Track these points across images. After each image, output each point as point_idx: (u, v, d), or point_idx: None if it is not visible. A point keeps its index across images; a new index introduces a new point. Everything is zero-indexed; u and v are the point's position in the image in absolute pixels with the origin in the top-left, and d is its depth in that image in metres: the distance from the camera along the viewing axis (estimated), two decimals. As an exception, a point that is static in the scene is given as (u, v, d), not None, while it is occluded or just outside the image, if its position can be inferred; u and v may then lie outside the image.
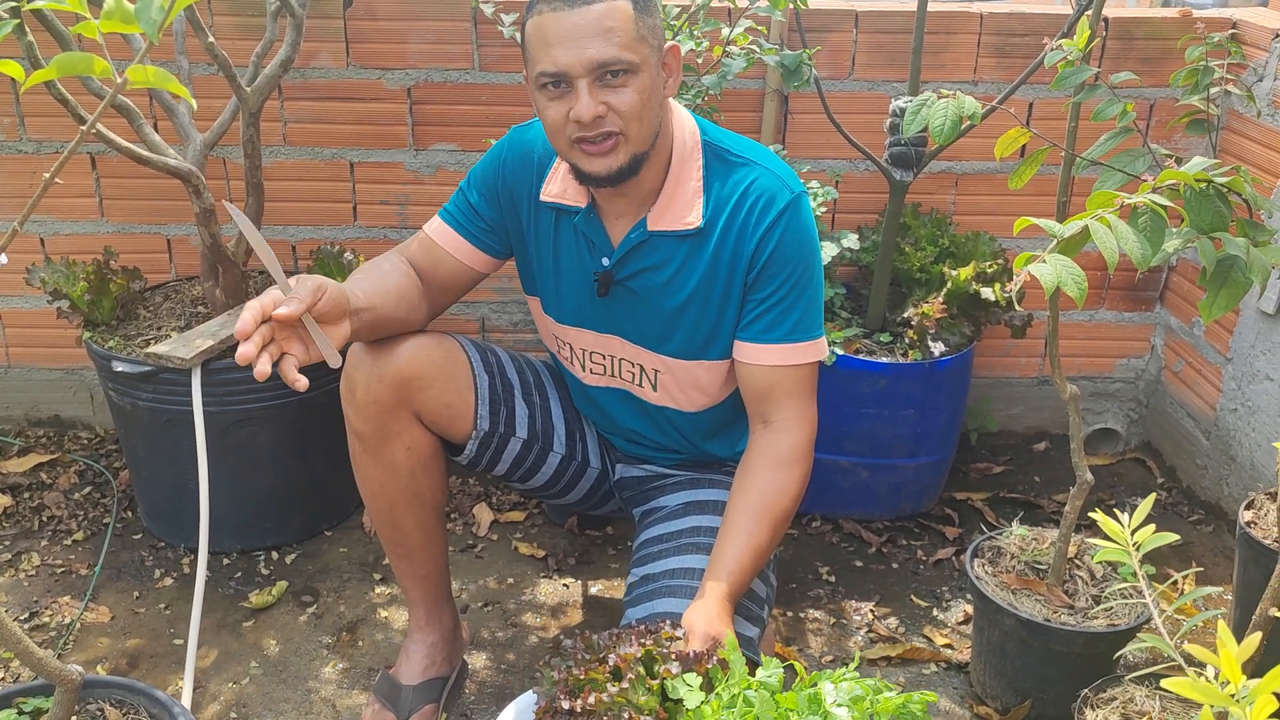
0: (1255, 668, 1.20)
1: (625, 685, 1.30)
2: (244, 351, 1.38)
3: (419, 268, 1.77)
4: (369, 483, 1.78)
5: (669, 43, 1.58)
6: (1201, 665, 0.92)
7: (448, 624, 1.95)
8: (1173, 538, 1.34)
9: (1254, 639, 0.85)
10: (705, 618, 1.45)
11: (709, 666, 1.34)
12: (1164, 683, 0.84)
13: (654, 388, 1.77)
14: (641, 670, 1.32)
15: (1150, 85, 2.55)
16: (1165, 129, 2.57)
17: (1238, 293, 1.30)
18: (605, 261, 1.68)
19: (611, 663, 1.32)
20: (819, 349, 1.67)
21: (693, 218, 1.63)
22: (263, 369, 1.39)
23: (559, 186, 1.69)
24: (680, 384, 1.75)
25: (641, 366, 1.76)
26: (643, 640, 1.36)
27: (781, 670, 1.31)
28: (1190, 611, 2.15)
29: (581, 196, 1.67)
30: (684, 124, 1.65)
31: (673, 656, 1.35)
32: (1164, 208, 1.25)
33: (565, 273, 1.73)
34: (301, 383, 1.43)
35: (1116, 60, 2.53)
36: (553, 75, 1.49)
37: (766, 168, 1.63)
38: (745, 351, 1.67)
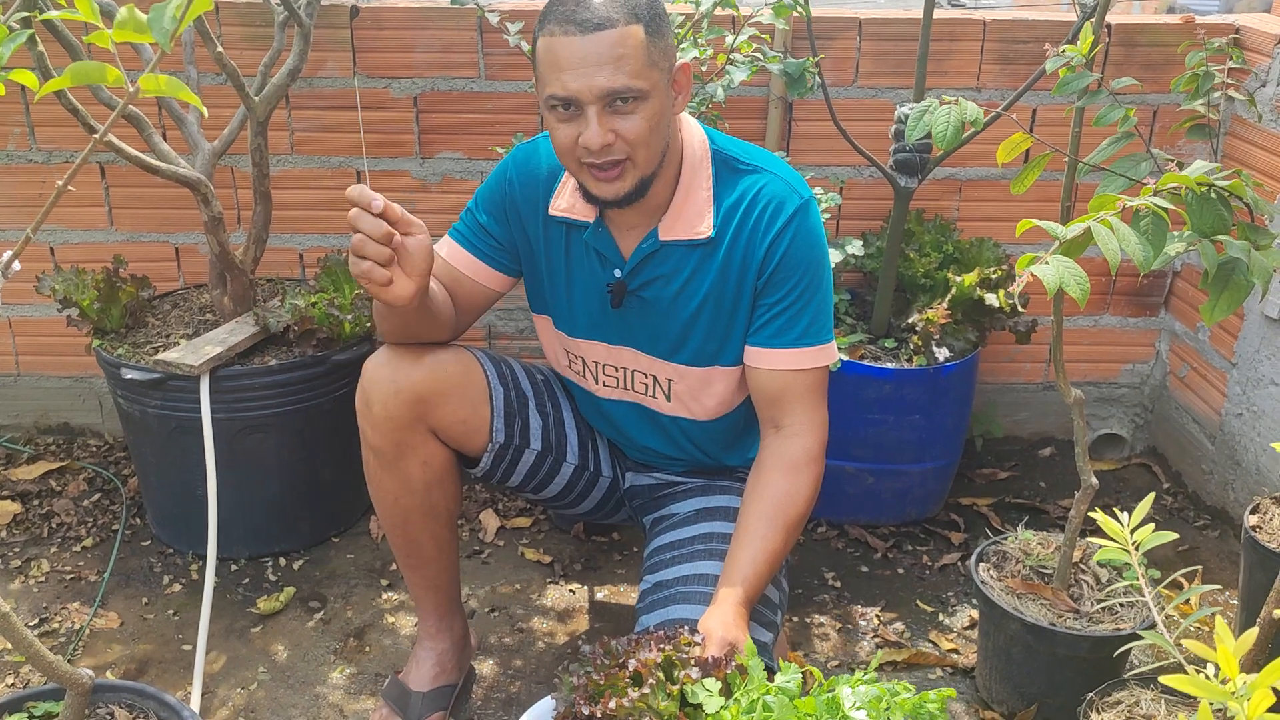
0: (1259, 668, 1.21)
1: (646, 690, 1.30)
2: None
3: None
4: (384, 496, 1.78)
5: (679, 61, 1.57)
6: (1203, 663, 0.92)
7: (458, 632, 1.96)
8: (1172, 536, 1.35)
9: (1250, 634, 0.86)
10: (722, 623, 1.45)
11: (728, 672, 1.34)
12: (1163, 679, 0.85)
13: (668, 398, 1.78)
14: (661, 675, 1.33)
15: (1153, 91, 2.56)
16: (1168, 134, 2.58)
17: (1239, 296, 1.30)
18: (617, 273, 1.69)
19: (631, 668, 1.33)
20: (829, 353, 1.68)
21: (704, 227, 1.64)
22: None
23: (567, 201, 1.70)
24: (694, 392, 1.76)
25: (654, 377, 1.77)
26: (662, 646, 1.37)
27: (800, 675, 1.32)
28: (1192, 610, 2.15)
29: (590, 211, 1.67)
30: (693, 134, 1.66)
31: (692, 662, 1.35)
32: (1166, 211, 1.26)
33: (578, 285, 1.74)
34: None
35: (1119, 66, 2.54)
36: (563, 99, 1.49)
37: (775, 174, 1.65)
38: (756, 356, 1.68)
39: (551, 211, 1.71)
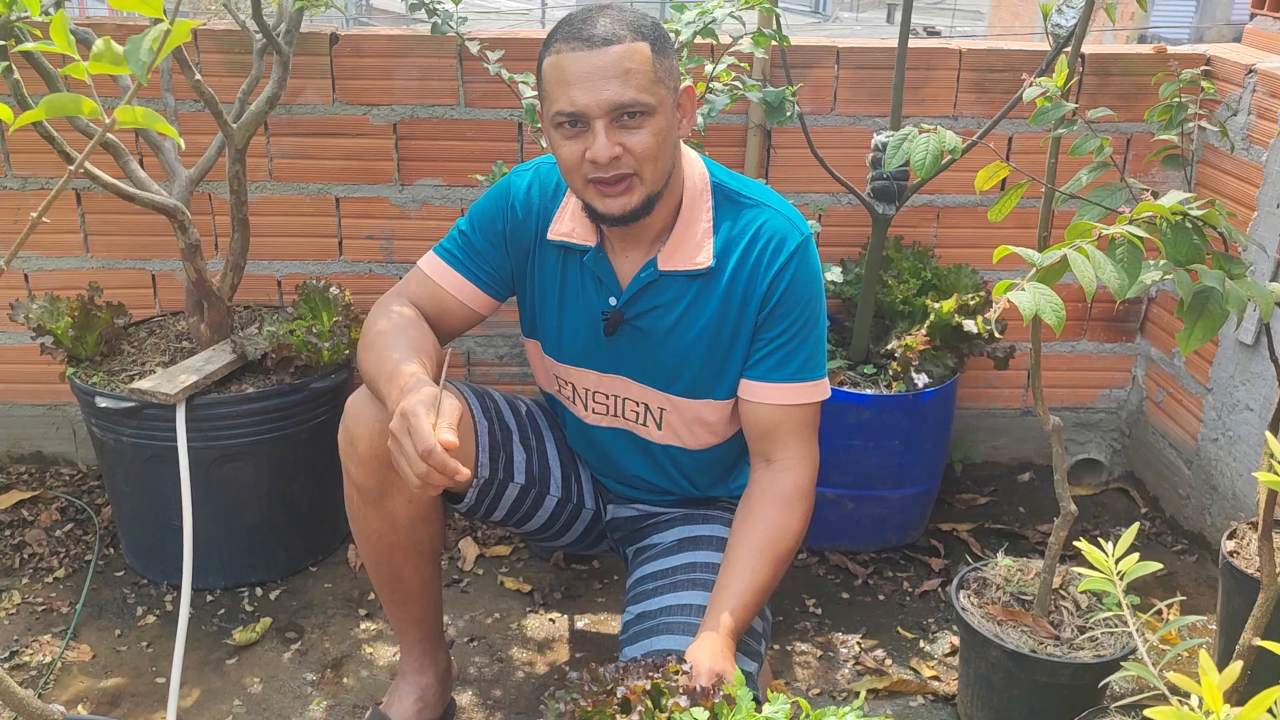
0: (1240, 697, 1.21)
1: (634, 717, 1.29)
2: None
3: (424, 311, 1.74)
4: (368, 533, 1.76)
5: (683, 84, 1.58)
6: (1186, 694, 0.92)
7: (441, 665, 1.94)
8: (1156, 566, 1.35)
9: (1235, 668, 0.86)
10: (709, 654, 1.45)
11: (715, 701, 1.33)
12: (1148, 712, 0.84)
13: (659, 426, 1.77)
14: (649, 704, 1.32)
15: (1127, 120, 2.59)
16: (1142, 163, 2.61)
17: (1214, 324, 1.31)
18: (613, 301, 1.68)
19: (620, 695, 1.32)
20: (823, 389, 1.68)
21: (703, 258, 1.64)
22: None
23: (567, 225, 1.69)
24: (686, 422, 1.75)
25: (646, 405, 1.76)
26: (651, 674, 1.36)
27: (788, 705, 1.31)
28: (1174, 640, 2.16)
29: (590, 235, 1.67)
30: (693, 165, 1.66)
31: (680, 690, 1.34)
32: (1141, 239, 1.26)
33: (570, 312, 1.73)
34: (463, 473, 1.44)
35: (1093, 96, 2.57)
36: (570, 115, 1.49)
37: (776, 209, 1.65)
38: (751, 390, 1.68)
39: (550, 236, 1.70)
